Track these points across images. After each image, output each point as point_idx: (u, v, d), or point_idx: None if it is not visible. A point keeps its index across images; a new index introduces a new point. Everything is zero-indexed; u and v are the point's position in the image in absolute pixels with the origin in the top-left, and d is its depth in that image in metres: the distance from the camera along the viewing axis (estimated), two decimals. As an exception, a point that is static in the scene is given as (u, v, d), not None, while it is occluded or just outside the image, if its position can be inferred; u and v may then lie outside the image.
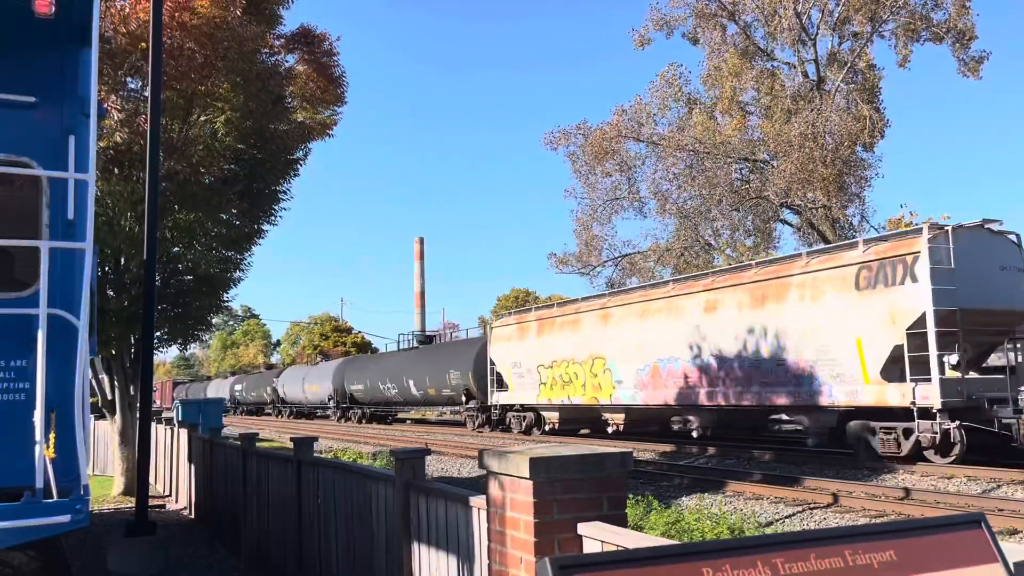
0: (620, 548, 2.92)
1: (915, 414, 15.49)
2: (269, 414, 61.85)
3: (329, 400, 47.19)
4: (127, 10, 12.83)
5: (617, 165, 37.41)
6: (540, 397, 26.83)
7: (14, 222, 4.96)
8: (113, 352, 15.50)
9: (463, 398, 32.46)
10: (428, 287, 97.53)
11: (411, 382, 36.89)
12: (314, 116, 17.22)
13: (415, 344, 43.04)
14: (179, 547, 10.65)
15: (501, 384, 29.33)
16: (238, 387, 68.28)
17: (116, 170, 13.39)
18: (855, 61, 34.68)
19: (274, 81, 15.43)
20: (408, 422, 45.89)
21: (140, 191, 13.23)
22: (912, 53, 34.80)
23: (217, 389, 73.60)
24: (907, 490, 12.93)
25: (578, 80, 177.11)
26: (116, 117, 13.02)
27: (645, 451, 20.85)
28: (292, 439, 8.19)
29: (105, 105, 12.45)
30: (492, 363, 29.64)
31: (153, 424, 15.74)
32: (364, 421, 43.76)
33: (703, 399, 20.50)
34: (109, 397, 16.23)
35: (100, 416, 18.49)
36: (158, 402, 70.20)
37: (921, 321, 15.51)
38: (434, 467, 19.12)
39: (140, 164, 13.38)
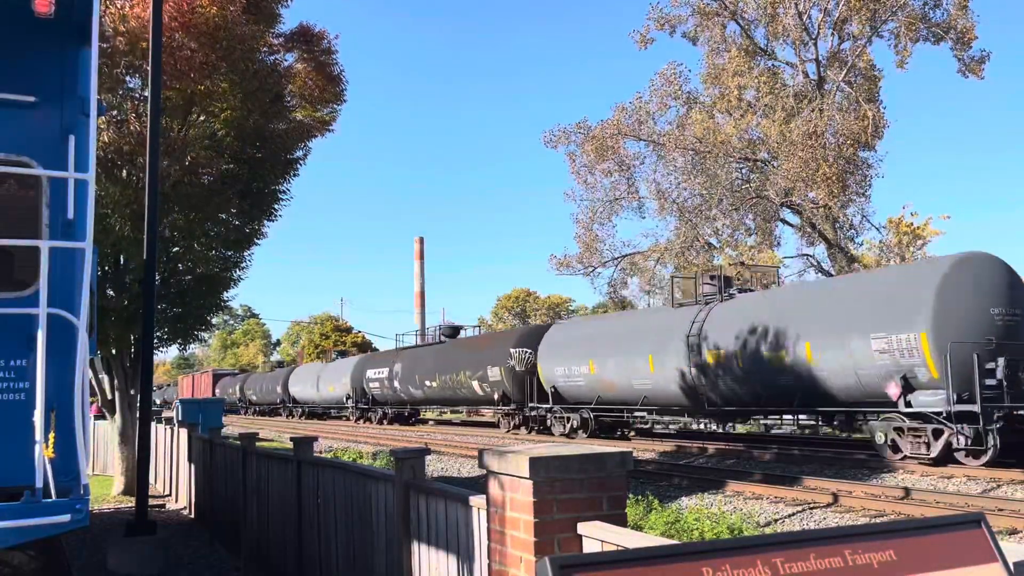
0: (620, 548, 2.91)
1: None
2: (487, 424, 36.13)
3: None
4: (127, 9, 12.81)
5: (617, 164, 37.39)
6: None
7: (14, 222, 4.96)
8: (113, 352, 15.51)
9: None
10: (428, 287, 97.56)
11: None
12: (313, 115, 17.22)
13: None
14: (179, 547, 10.65)
15: None
16: (375, 374, 39.91)
17: (101, 171, 13.37)
18: (855, 61, 34.66)
19: (272, 79, 15.42)
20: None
21: (130, 192, 13.23)
22: (911, 54, 34.79)
23: (316, 379, 47.62)
24: (907, 490, 12.92)
25: (579, 81, 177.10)
26: (104, 116, 13.01)
27: (645, 451, 20.84)
28: (292, 439, 8.20)
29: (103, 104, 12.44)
30: None
31: (153, 424, 15.75)
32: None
33: None
34: (109, 397, 16.24)
35: (100, 416, 18.50)
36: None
37: None
38: (434, 467, 19.11)
39: (130, 163, 13.36)
